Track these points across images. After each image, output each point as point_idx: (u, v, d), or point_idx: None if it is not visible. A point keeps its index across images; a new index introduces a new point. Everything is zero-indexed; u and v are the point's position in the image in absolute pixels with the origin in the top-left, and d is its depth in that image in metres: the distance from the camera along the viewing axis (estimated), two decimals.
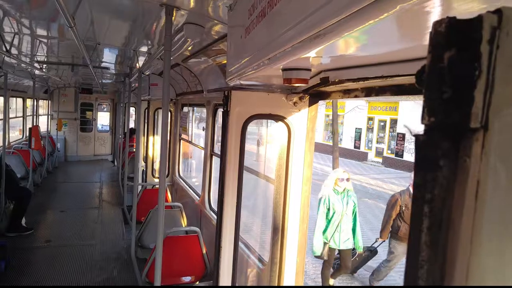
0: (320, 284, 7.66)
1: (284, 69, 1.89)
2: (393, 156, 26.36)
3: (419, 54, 1.49)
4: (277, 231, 3.69)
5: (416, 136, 0.53)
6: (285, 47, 1.43)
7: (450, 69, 0.50)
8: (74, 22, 3.18)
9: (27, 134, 10.93)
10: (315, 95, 3.05)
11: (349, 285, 8.20)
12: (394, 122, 26.56)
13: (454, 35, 0.50)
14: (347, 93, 2.41)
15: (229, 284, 3.32)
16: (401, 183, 21.57)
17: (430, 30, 0.56)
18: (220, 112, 6.95)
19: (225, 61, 3.47)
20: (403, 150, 25.28)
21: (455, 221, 0.47)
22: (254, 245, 5.05)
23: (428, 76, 0.53)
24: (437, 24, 0.53)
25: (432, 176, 0.49)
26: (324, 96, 2.90)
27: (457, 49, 0.50)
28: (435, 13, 0.97)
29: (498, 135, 0.48)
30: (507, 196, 0.48)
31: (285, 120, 3.14)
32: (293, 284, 3.45)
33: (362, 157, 28.92)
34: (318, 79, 2.13)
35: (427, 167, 0.50)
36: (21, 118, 13.71)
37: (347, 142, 30.64)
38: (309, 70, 1.91)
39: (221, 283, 3.36)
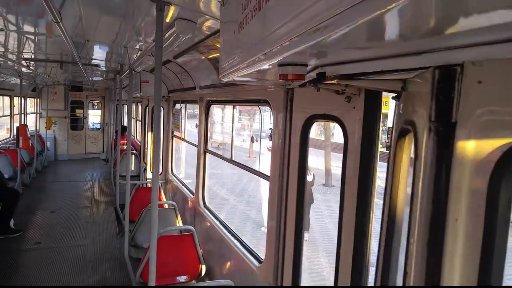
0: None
1: (280, 65, 1.84)
2: (384, 150, 26.51)
3: (424, 47, 1.45)
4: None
5: None
6: (282, 42, 1.38)
7: None
8: (60, 18, 3.09)
9: (15, 133, 10.73)
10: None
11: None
12: (385, 116, 26.69)
13: None
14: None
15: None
16: None
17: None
18: (212, 108, 6.89)
19: (218, 57, 3.40)
20: None
21: None
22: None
23: None
24: None
25: None
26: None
27: None
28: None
29: None
30: None
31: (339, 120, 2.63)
32: (291, 283, 3.42)
33: None
34: (315, 74, 2.09)
35: None
36: (8, 117, 13.47)
37: (339, 137, 30.76)
38: (306, 65, 1.86)
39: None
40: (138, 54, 5.98)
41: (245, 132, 30.58)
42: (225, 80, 2.60)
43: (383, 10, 0.90)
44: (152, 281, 3.67)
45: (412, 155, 1.59)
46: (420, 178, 1.44)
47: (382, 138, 27.04)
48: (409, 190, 1.54)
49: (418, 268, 1.43)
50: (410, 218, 1.52)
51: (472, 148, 1.25)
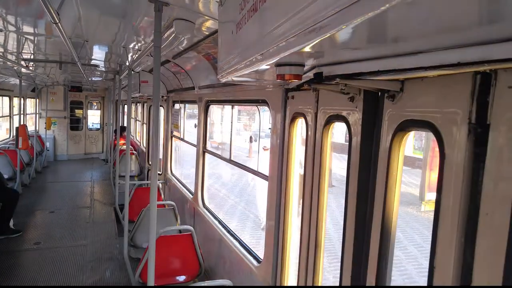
0: None
1: (277, 65, 1.84)
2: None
3: (420, 48, 1.45)
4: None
5: None
6: (278, 42, 1.39)
7: None
8: (59, 18, 3.09)
9: (14, 134, 10.73)
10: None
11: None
12: None
13: None
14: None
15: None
16: None
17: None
18: (212, 108, 6.89)
19: (217, 57, 3.40)
20: None
21: None
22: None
23: None
24: None
25: None
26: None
27: None
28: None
29: None
30: None
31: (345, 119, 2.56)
32: (289, 283, 3.42)
33: None
34: (312, 74, 2.10)
35: None
36: (8, 117, 13.47)
37: (338, 136, 30.64)
38: (303, 65, 1.87)
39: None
40: (137, 55, 5.98)
41: (246, 132, 30.57)
42: (223, 80, 2.60)
43: (376, 11, 0.90)
44: (150, 281, 3.67)
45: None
46: (452, 176, 1.53)
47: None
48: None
49: (449, 262, 1.51)
50: (437, 214, 1.60)
51: (502, 147, 1.35)
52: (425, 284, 1.65)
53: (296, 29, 1.23)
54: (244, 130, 31.46)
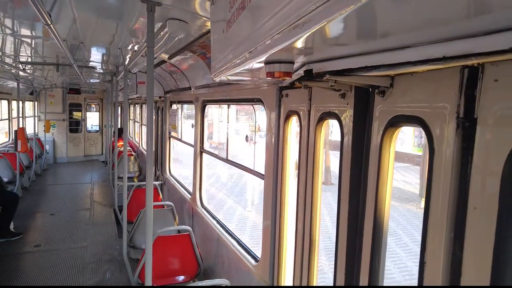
0: None
1: (266, 62, 1.84)
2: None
3: (404, 42, 1.45)
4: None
5: None
6: (265, 39, 1.39)
7: None
8: (51, 20, 3.09)
9: (13, 137, 10.74)
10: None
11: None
12: None
13: None
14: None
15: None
16: None
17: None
18: (209, 108, 6.90)
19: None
20: None
21: None
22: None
23: None
24: None
25: None
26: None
27: None
28: None
29: None
30: None
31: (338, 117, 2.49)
32: (286, 282, 3.42)
33: None
34: (302, 71, 2.10)
35: None
36: (7, 121, 13.47)
37: (338, 135, 30.59)
38: (292, 62, 1.87)
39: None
40: (132, 55, 5.99)
41: (247, 132, 30.67)
42: (217, 79, 2.60)
43: (357, 5, 0.90)
44: (148, 281, 3.67)
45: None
46: (442, 171, 1.53)
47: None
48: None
49: (439, 257, 1.52)
50: (427, 209, 1.60)
51: (488, 141, 1.36)
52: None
53: (280, 26, 1.23)
54: (243, 129, 31.52)
